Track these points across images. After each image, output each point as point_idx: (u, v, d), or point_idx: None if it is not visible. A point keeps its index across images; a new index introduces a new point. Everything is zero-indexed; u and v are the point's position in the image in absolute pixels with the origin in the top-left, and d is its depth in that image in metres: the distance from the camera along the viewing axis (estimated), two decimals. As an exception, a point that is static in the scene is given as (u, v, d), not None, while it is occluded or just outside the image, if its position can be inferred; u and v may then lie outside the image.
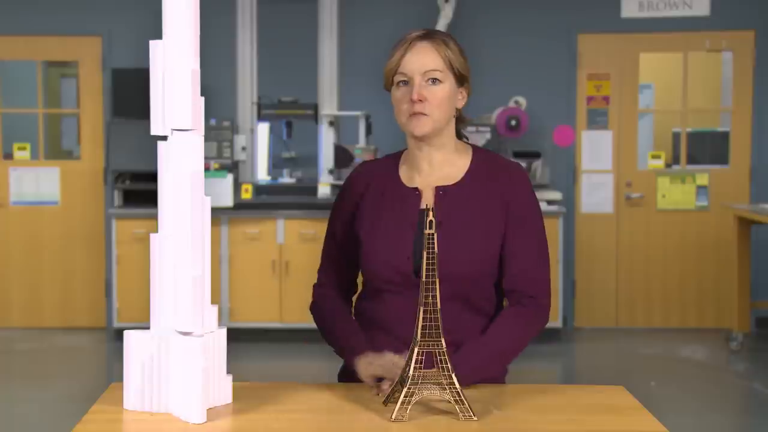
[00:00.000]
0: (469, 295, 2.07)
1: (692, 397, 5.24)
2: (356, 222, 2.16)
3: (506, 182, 2.09)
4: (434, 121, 2.05)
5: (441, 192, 2.09)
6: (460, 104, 2.12)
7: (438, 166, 2.12)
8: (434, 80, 2.04)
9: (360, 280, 2.25)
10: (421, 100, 2.02)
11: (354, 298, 2.28)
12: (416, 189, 2.12)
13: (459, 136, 2.19)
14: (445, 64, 2.04)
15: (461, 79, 2.08)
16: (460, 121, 2.18)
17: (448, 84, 2.05)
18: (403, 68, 2.04)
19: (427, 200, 2.10)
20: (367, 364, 1.99)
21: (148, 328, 1.81)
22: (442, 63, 2.04)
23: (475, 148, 2.18)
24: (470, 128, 6.39)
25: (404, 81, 2.05)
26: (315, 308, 2.24)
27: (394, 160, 2.20)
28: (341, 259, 2.22)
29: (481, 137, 6.49)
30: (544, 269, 2.10)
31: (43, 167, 6.99)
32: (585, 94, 6.99)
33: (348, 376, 2.17)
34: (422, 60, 2.04)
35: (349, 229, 2.18)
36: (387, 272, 2.07)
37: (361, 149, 6.45)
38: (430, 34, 2.07)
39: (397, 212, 2.10)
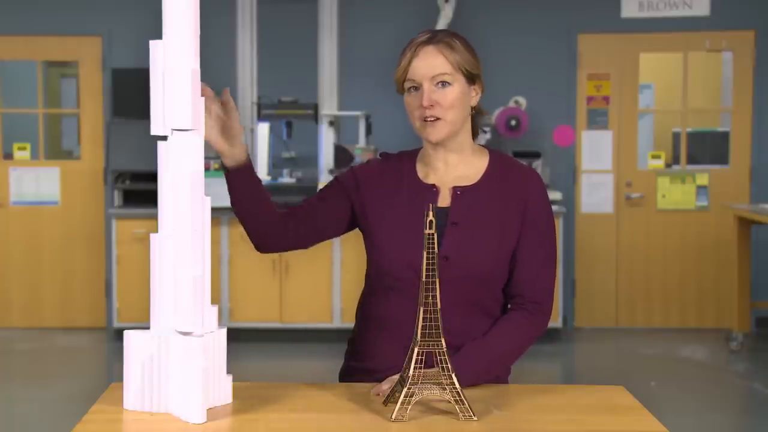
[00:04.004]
0: (481, 297, 2.05)
1: (692, 397, 5.24)
2: (365, 214, 2.12)
3: (523, 186, 2.09)
4: (449, 123, 2.04)
5: (458, 192, 2.08)
6: (474, 102, 2.10)
7: (454, 166, 2.11)
8: (443, 83, 2.02)
9: (361, 278, 2.23)
10: (432, 105, 2.01)
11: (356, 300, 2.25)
12: (434, 186, 2.10)
13: (476, 130, 2.17)
14: (453, 65, 2.02)
15: (472, 78, 2.06)
16: (478, 113, 2.15)
17: (458, 85, 2.03)
18: (412, 74, 2.03)
19: (444, 199, 2.08)
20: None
21: (148, 328, 1.81)
22: (449, 66, 2.01)
23: (492, 151, 2.17)
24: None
25: (414, 87, 2.03)
26: None
27: (410, 156, 2.17)
28: (310, 216, 2.14)
29: (481, 137, 6.47)
30: (550, 276, 2.11)
31: (43, 167, 6.99)
32: (585, 94, 6.99)
33: (349, 376, 2.16)
34: (429, 65, 2.01)
35: (335, 207, 2.13)
36: (400, 268, 2.04)
37: (361, 149, 6.45)
38: (435, 37, 2.04)
39: (413, 208, 2.07)
